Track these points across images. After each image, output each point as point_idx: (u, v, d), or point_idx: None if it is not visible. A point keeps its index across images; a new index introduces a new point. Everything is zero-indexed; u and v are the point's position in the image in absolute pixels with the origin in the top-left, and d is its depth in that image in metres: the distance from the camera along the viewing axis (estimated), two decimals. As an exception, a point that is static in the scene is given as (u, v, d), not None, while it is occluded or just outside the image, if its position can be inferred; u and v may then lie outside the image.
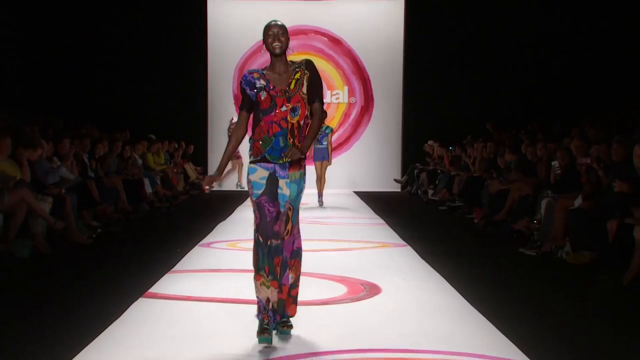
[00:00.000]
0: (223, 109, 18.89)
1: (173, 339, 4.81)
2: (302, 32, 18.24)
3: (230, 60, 18.81)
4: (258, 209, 4.74)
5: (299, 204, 4.92)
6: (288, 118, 4.71)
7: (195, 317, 5.40)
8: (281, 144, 4.72)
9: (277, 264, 4.71)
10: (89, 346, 4.62)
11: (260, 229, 4.72)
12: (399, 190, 18.18)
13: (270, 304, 4.71)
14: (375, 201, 15.03)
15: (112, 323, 5.15)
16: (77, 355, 4.42)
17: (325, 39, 18.53)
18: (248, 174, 4.85)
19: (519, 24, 17.35)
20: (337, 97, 18.98)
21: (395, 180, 18.53)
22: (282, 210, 4.76)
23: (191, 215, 12.68)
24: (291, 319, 4.89)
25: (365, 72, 18.94)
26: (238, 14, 18.66)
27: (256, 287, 4.74)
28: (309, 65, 4.81)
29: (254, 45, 18.10)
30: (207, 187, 4.89)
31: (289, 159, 4.72)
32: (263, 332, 4.62)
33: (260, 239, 4.72)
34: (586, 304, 6.31)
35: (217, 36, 18.75)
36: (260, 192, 4.74)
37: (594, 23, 16.57)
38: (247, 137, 4.93)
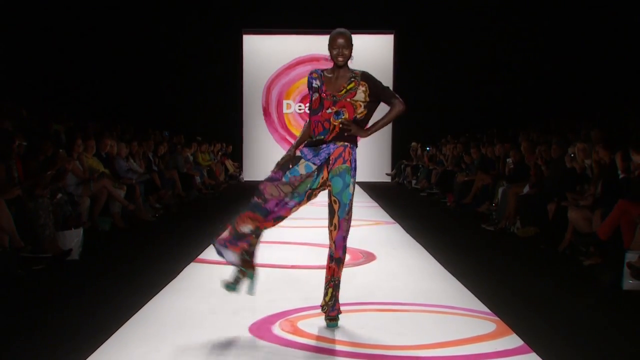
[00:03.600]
0: (254, 117, 19.01)
1: (217, 294, 4.82)
2: (315, 59, 18.10)
3: (260, 80, 18.82)
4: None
5: (347, 200, 3.93)
6: (331, 120, 3.93)
7: (234, 277, 5.45)
8: (322, 128, 3.97)
9: (248, 216, 3.84)
10: (156, 296, 4.69)
11: (255, 189, 3.94)
12: (389, 180, 18.18)
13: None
14: (371, 189, 15.03)
15: (171, 281, 5.20)
16: (147, 303, 4.47)
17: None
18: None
19: (484, 54, 17.32)
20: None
21: (387, 174, 18.53)
22: (283, 179, 3.87)
23: (230, 200, 12.72)
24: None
25: (363, 90, 18.89)
26: (267, 44, 18.62)
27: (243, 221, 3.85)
28: (364, 76, 4.05)
29: (279, 68, 18.21)
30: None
31: (345, 127, 3.93)
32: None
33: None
34: (531, 266, 6.33)
35: (250, 61, 18.72)
36: (277, 163, 4.01)
37: (542, 46, 16.57)
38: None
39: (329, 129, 3.95)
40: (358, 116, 4.00)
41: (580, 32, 15.33)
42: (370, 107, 4.05)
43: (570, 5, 15.53)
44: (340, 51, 3.97)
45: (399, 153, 18.32)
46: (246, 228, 3.84)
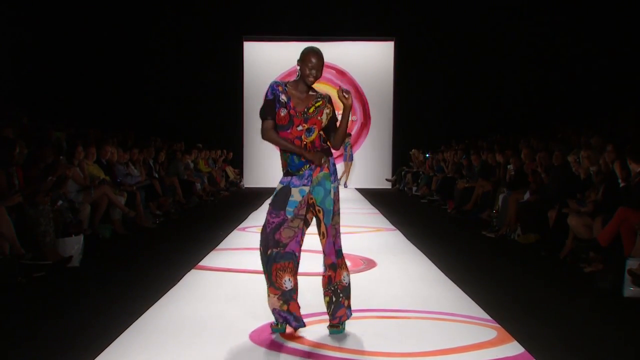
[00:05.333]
0: (255, 124, 18.98)
1: (218, 301, 4.84)
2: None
3: (260, 86, 18.68)
4: (265, 221, 3.96)
5: (331, 206, 3.93)
6: (303, 137, 3.89)
7: (234, 285, 5.43)
8: (296, 160, 3.93)
9: (278, 269, 3.89)
10: (156, 303, 4.68)
11: (262, 239, 3.95)
12: (390, 187, 18.18)
13: (274, 309, 3.96)
14: (372, 196, 15.03)
15: (171, 288, 5.19)
16: (148, 310, 4.47)
17: (334, 71, 18.51)
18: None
19: (485, 60, 17.36)
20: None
21: (387, 180, 18.53)
22: (288, 217, 3.88)
23: (231, 206, 12.73)
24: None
25: (364, 97, 18.92)
26: (267, 50, 18.68)
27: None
28: (330, 100, 4.02)
29: (280, 75, 18.17)
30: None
31: (316, 164, 3.91)
32: (276, 327, 4.01)
33: (261, 249, 3.95)
34: (532, 273, 6.33)
35: (251, 68, 18.77)
36: (270, 206, 3.97)
37: (543, 53, 16.61)
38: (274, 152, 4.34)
39: (299, 145, 3.90)
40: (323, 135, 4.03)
41: (581, 39, 15.37)
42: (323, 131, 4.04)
43: (572, 12, 15.56)
44: (313, 71, 3.87)
45: (399, 159, 18.33)
46: (287, 282, 3.92)
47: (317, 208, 3.96)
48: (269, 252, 3.90)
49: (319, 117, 3.96)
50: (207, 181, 14.11)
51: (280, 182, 4.00)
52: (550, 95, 16.38)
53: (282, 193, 3.93)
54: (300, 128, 3.91)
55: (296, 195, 3.91)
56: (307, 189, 3.92)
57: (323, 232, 3.97)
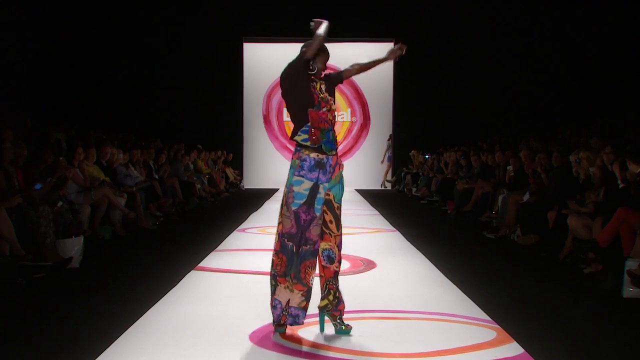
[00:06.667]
0: (255, 125, 19.06)
1: (218, 302, 4.85)
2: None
3: (260, 88, 18.90)
4: (294, 217, 3.90)
5: (341, 202, 4.08)
6: (329, 117, 3.99)
7: (233, 286, 5.43)
8: (331, 137, 3.98)
9: (307, 266, 3.94)
10: (156, 304, 4.68)
11: (294, 236, 3.90)
12: (389, 188, 18.18)
13: (289, 306, 3.95)
14: (371, 197, 15.05)
15: (171, 289, 5.20)
16: (148, 311, 4.47)
17: (333, 72, 18.53)
18: (292, 185, 3.92)
19: (485, 62, 17.38)
20: (342, 117, 19.00)
21: (387, 180, 18.54)
22: (317, 214, 3.91)
23: (230, 208, 12.74)
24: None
25: (364, 98, 18.95)
26: (267, 52, 18.71)
27: (277, 289, 3.95)
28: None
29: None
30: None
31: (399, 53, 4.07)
32: (280, 326, 4.02)
33: (291, 245, 3.91)
34: (532, 274, 6.33)
35: (251, 69, 18.83)
36: (301, 201, 3.90)
37: (543, 54, 16.63)
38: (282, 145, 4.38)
39: (331, 129, 3.96)
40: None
41: (581, 40, 15.38)
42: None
43: (572, 14, 15.57)
44: (326, 66, 4.08)
45: (399, 161, 18.34)
46: (313, 280, 3.99)
47: (335, 205, 4.01)
48: (300, 249, 3.92)
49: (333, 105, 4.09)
50: (207, 182, 14.11)
51: (306, 177, 3.92)
52: (549, 96, 16.40)
53: (312, 190, 3.93)
54: (325, 109, 4.00)
55: (322, 193, 3.95)
56: (327, 185, 3.97)
57: (339, 227, 4.04)
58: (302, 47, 3.97)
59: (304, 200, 3.91)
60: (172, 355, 3.61)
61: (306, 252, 3.93)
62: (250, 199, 14.24)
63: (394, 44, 4.17)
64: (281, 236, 3.95)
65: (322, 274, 4.08)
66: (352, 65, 4.29)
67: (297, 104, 3.97)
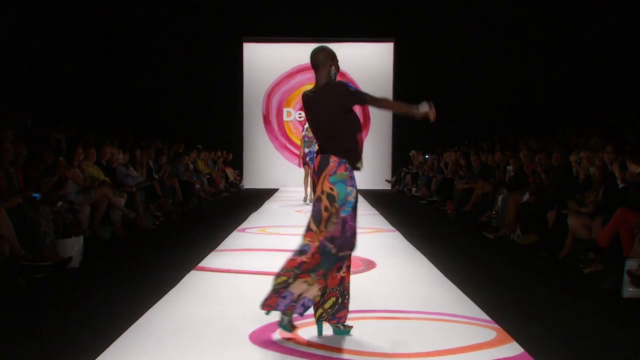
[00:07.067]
0: (255, 125, 19.05)
1: (218, 302, 4.84)
2: (315, 67, 18.26)
3: (260, 88, 18.89)
4: (342, 223, 3.88)
5: None
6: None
7: (233, 286, 5.44)
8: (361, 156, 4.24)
9: (338, 267, 3.96)
10: (156, 304, 4.68)
11: (337, 239, 3.85)
12: (389, 188, 18.18)
13: (303, 296, 3.85)
14: (371, 197, 15.04)
15: (171, 289, 5.19)
16: (148, 311, 4.47)
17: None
18: (348, 195, 3.92)
19: (484, 62, 17.39)
20: (342, 117, 19.00)
21: (387, 181, 18.53)
22: (356, 221, 3.99)
23: (230, 207, 12.74)
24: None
25: (363, 98, 18.95)
26: (267, 52, 18.71)
27: (293, 284, 3.85)
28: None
29: (280, 76, 18.26)
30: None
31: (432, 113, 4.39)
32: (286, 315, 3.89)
33: (330, 247, 3.85)
34: (531, 274, 6.33)
35: (251, 69, 18.81)
36: (350, 209, 3.92)
37: (543, 54, 16.64)
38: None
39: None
40: None
41: (581, 41, 15.39)
42: None
43: (572, 14, 15.58)
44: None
45: (399, 160, 18.34)
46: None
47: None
48: (342, 253, 3.89)
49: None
50: (207, 182, 14.11)
51: (351, 185, 4.01)
52: (549, 96, 16.42)
53: (357, 198, 4.01)
54: None
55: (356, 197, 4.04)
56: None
57: None
58: (367, 96, 4.39)
59: (352, 207, 3.96)
60: (172, 355, 3.61)
61: (344, 255, 3.91)
62: (250, 199, 14.24)
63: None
64: (325, 239, 3.88)
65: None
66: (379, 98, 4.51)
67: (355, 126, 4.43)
